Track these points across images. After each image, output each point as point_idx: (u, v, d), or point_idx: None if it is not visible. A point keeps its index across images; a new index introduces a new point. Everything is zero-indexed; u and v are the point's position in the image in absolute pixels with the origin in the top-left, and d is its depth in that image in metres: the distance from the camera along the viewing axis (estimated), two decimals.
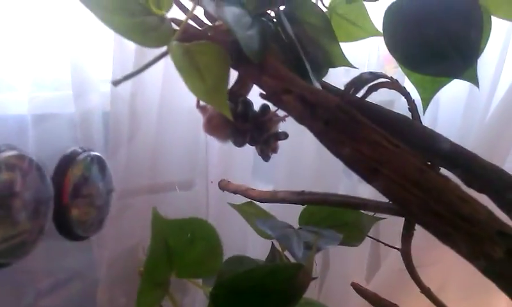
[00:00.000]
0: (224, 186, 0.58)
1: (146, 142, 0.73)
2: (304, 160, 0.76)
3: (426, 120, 0.85)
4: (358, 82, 0.37)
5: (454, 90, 0.79)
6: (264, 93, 0.31)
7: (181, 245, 0.34)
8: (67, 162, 0.59)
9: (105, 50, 0.76)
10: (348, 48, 0.73)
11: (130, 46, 0.72)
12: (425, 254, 0.69)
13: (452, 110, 0.80)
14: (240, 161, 0.76)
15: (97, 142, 0.77)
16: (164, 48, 0.29)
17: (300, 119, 0.30)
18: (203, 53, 0.29)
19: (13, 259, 0.51)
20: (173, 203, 0.72)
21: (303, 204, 0.44)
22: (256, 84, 0.31)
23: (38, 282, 0.69)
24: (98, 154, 0.67)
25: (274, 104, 0.31)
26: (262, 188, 0.51)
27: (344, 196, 0.41)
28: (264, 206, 0.73)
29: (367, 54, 0.73)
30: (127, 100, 0.74)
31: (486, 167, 0.40)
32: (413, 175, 0.30)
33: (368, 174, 0.31)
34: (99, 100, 0.78)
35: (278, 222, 0.47)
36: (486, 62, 0.74)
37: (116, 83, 0.28)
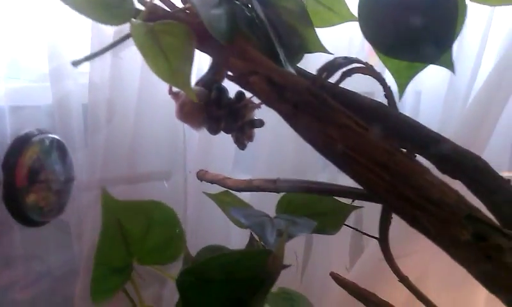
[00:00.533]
0: (201, 176, 0.57)
1: (125, 133, 0.71)
2: (285, 150, 0.75)
3: (408, 111, 0.86)
4: (330, 67, 0.37)
5: (435, 80, 0.80)
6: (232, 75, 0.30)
7: (138, 230, 0.33)
8: (21, 143, 0.56)
9: (82, 41, 0.75)
10: (329, 36, 0.73)
11: (108, 36, 0.70)
12: (406, 243, 0.69)
13: (433, 100, 0.80)
14: (221, 152, 0.75)
15: (77, 134, 0.76)
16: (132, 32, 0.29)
17: (268, 102, 0.29)
18: (167, 33, 0.28)
19: None
20: (152, 193, 0.71)
21: (277, 192, 0.44)
22: (224, 66, 0.30)
23: (14, 271, 0.68)
24: (58, 138, 0.64)
25: (241, 86, 0.30)
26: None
27: (316, 183, 0.41)
28: (249, 197, 0.73)
29: (347, 41, 0.72)
30: (105, 90, 0.72)
31: (460, 153, 0.40)
32: (381, 158, 0.29)
33: (337, 157, 0.30)
34: (78, 92, 0.77)
35: (254, 211, 0.47)
36: (466, 50, 0.74)
37: (75, 64, 0.27)
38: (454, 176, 0.40)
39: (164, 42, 0.28)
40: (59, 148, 0.64)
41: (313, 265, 0.82)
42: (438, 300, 0.55)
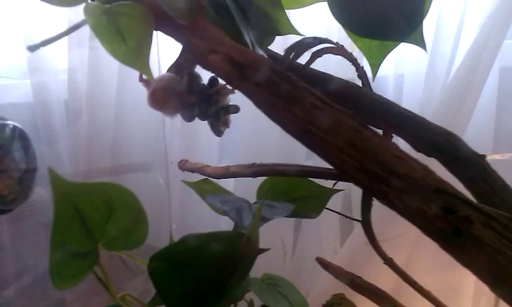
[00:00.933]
0: (182, 166, 0.56)
1: (106, 126, 0.71)
2: (270, 138, 0.75)
3: (391, 94, 0.85)
4: (298, 47, 0.36)
5: (416, 63, 0.79)
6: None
7: (99, 214, 0.32)
8: None
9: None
10: (307, 19, 0.71)
11: (85, 33, 0.69)
12: (391, 226, 0.68)
13: (415, 83, 0.80)
14: (206, 141, 0.74)
15: (59, 129, 0.75)
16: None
17: (229, 81, 0.28)
18: (124, 14, 0.28)
19: None
20: (135, 184, 0.70)
21: (253, 177, 0.43)
22: (185, 47, 0.30)
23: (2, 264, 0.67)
24: (20, 127, 0.63)
25: (201, 66, 0.29)
26: None
27: (290, 165, 0.40)
28: (234, 185, 0.72)
29: (325, 24, 0.72)
30: (84, 85, 0.71)
31: (434, 131, 0.40)
32: (347, 135, 0.29)
33: (303, 136, 0.30)
34: (58, 88, 0.76)
35: (232, 197, 0.46)
36: (444, 31, 0.73)
37: (32, 49, 0.26)
38: (428, 154, 0.40)
39: (122, 24, 0.27)
40: (21, 137, 0.63)
41: (302, 249, 0.82)
42: (428, 282, 0.55)
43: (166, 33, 0.30)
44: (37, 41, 0.73)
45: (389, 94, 0.86)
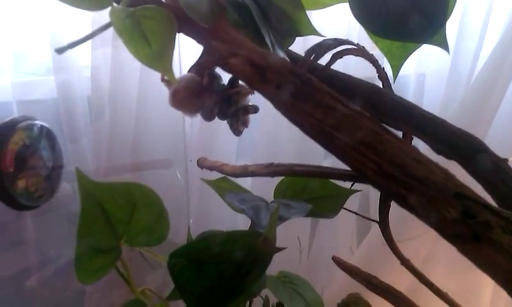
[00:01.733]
0: (201, 163, 0.57)
1: (128, 123, 0.72)
2: (288, 138, 0.75)
3: (412, 93, 0.84)
4: (318, 49, 0.36)
5: (439, 62, 0.78)
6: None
7: (123, 212, 0.33)
8: (6, 129, 0.57)
9: (83, 34, 0.75)
10: (328, 20, 0.71)
11: (109, 32, 0.71)
12: (409, 227, 0.68)
13: (437, 82, 0.79)
14: (224, 139, 0.75)
15: (82, 125, 0.77)
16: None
17: (250, 83, 0.29)
18: (149, 17, 0.28)
19: None
20: (155, 180, 0.71)
21: (271, 176, 0.44)
22: (206, 49, 0.30)
23: (25, 260, 0.70)
24: (47, 125, 0.65)
25: (222, 68, 0.30)
26: None
27: (308, 166, 0.40)
28: (251, 183, 0.73)
29: (346, 24, 0.71)
30: (106, 82, 0.73)
31: (455, 133, 0.39)
32: (366, 138, 0.29)
33: (322, 138, 0.30)
34: (82, 84, 0.77)
35: (250, 195, 0.47)
36: (468, 30, 0.72)
37: (59, 51, 0.27)
38: (448, 157, 0.39)
39: (145, 27, 0.28)
40: (48, 134, 0.64)
41: (318, 247, 0.82)
42: (446, 284, 0.55)
43: (188, 35, 0.31)
44: (62, 39, 0.75)
45: (410, 93, 0.85)
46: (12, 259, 0.69)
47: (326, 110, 0.29)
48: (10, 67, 0.75)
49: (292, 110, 0.29)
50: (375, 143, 0.29)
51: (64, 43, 0.77)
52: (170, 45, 0.28)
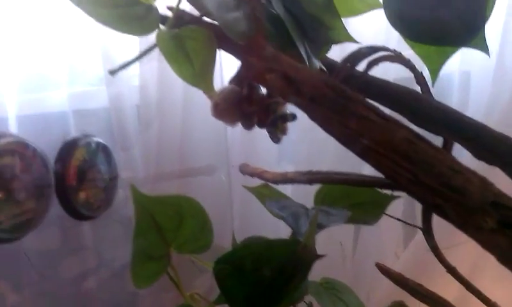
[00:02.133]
0: (243, 170, 0.59)
1: (174, 131, 0.75)
2: (328, 140, 0.75)
3: (457, 93, 0.82)
4: (353, 58, 0.37)
5: (485, 59, 0.75)
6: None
7: (171, 222, 0.35)
8: (69, 147, 0.64)
9: (132, 45, 0.79)
10: (366, 25, 0.71)
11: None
12: (454, 233, 0.66)
13: (483, 80, 0.76)
14: (265, 145, 0.77)
15: (132, 133, 0.81)
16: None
17: (286, 97, 0.30)
18: (191, 38, 0.30)
19: (19, 234, 0.57)
20: (200, 186, 0.74)
21: (309, 184, 0.45)
22: (244, 65, 0.32)
23: (82, 263, 0.75)
24: (102, 141, 0.71)
25: (260, 84, 0.31)
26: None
27: (345, 174, 0.41)
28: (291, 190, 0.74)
29: (384, 29, 0.71)
30: (154, 92, 0.77)
31: (496, 138, 0.39)
32: (401, 147, 0.29)
33: (356, 148, 0.31)
34: (131, 93, 0.82)
35: (291, 202, 0.48)
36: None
37: (112, 73, 0.29)
38: (490, 162, 0.39)
39: (188, 47, 0.30)
40: (104, 149, 0.71)
41: (362, 253, 0.81)
42: (495, 292, 0.53)
43: (227, 51, 0.32)
44: (113, 52, 0.79)
45: (454, 92, 0.82)
46: (72, 262, 0.74)
47: (360, 120, 0.30)
48: (66, 80, 0.81)
49: (327, 121, 0.31)
50: (410, 152, 0.29)
51: (115, 55, 0.81)
52: (211, 63, 0.30)
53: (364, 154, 0.31)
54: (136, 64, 0.81)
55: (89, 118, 0.82)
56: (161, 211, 0.35)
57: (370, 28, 0.71)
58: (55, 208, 0.64)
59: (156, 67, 0.77)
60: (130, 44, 0.80)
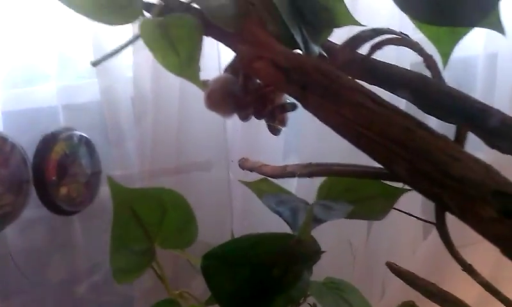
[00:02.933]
0: (242, 164, 0.60)
1: (170, 125, 0.77)
2: (337, 135, 0.76)
3: (482, 76, 0.82)
4: (354, 41, 0.38)
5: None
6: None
7: (153, 216, 0.37)
8: (47, 141, 0.67)
9: (124, 35, 0.81)
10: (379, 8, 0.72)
11: None
12: (471, 230, 0.67)
13: (510, 62, 0.77)
14: (269, 139, 0.78)
15: (126, 127, 0.83)
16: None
17: (276, 86, 0.32)
18: (176, 26, 0.32)
19: None
20: (198, 182, 0.76)
21: (309, 177, 0.46)
22: (234, 52, 0.33)
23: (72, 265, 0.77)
24: (85, 135, 0.74)
25: (249, 72, 0.33)
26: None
27: (347, 165, 0.42)
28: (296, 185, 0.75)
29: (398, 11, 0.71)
30: (148, 83, 0.78)
31: (509, 125, 0.40)
32: (398, 136, 0.30)
33: (352, 137, 0.32)
34: (125, 85, 0.84)
35: (291, 197, 0.49)
36: None
37: (94, 64, 0.31)
38: (503, 151, 0.40)
39: (174, 35, 0.32)
40: (86, 143, 0.74)
41: (374, 252, 0.83)
42: None
43: (215, 39, 0.34)
44: (104, 41, 0.81)
45: (480, 76, 0.83)
46: (60, 264, 0.77)
47: (355, 108, 0.32)
48: (55, 72, 0.83)
49: (320, 110, 0.32)
50: (407, 141, 0.30)
51: (107, 45, 0.83)
52: (196, 51, 0.31)
53: (360, 143, 0.32)
54: (129, 54, 0.84)
55: (80, 112, 0.84)
56: (142, 204, 0.37)
57: (383, 12, 0.72)
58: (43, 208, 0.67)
59: (151, 57, 0.79)
60: (123, 33, 0.82)
